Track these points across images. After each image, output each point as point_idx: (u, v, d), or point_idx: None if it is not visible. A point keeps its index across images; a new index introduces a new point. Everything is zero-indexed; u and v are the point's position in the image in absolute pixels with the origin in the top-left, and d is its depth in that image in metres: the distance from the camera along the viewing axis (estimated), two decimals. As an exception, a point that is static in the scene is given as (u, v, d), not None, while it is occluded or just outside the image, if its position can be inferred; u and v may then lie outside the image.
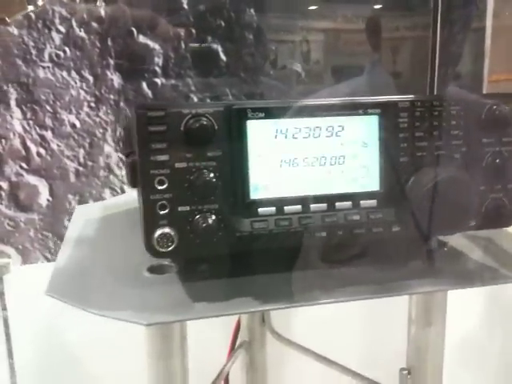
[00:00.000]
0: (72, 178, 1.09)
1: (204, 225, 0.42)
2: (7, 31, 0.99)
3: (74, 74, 1.06)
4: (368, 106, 0.46)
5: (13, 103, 1.02)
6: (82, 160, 1.09)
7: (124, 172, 1.12)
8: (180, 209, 0.43)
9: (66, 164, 1.07)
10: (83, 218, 0.68)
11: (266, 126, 0.44)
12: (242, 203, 0.44)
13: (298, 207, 0.45)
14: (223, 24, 1.29)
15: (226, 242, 0.44)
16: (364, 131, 0.46)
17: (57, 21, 1.02)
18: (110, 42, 1.07)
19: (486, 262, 0.53)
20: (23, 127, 1.03)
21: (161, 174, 0.42)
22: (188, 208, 0.43)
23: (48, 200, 1.08)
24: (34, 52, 1.02)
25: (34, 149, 1.04)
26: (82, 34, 1.04)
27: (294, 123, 0.44)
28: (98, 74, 1.07)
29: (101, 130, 1.10)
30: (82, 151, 1.08)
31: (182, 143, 0.42)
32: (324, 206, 0.45)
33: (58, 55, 1.05)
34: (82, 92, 1.06)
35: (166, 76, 1.23)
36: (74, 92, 1.05)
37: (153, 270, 0.50)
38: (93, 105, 1.09)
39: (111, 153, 1.15)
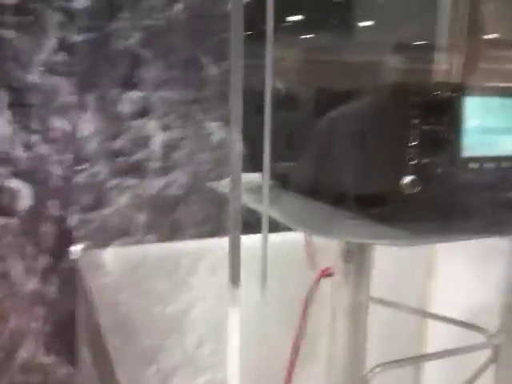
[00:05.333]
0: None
1: (440, 173, 0.57)
2: None
3: None
4: None
5: None
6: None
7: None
8: (423, 161, 0.56)
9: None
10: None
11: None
12: (456, 159, 0.58)
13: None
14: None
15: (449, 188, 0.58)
16: None
17: None
18: None
19: None
20: None
21: (413, 133, 0.56)
22: (427, 160, 0.56)
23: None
24: None
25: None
26: None
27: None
28: None
29: None
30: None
31: (427, 111, 0.56)
32: None
33: None
34: None
35: None
36: None
37: (350, 218, 0.63)
38: None
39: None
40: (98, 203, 1.53)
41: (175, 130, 1.58)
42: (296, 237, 0.86)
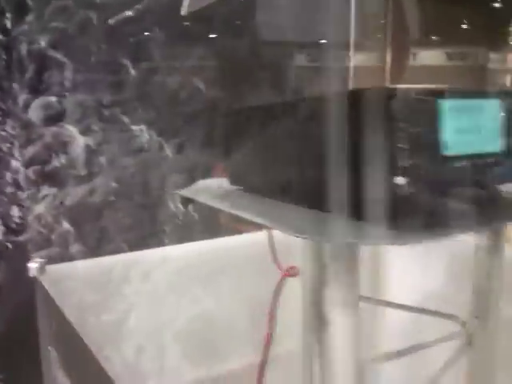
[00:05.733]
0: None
1: (424, 172, 0.59)
2: None
3: None
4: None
5: None
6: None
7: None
8: (411, 162, 0.58)
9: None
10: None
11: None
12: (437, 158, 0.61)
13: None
14: None
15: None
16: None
17: None
18: None
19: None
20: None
21: (402, 136, 0.57)
22: (412, 161, 0.59)
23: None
24: None
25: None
26: None
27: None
28: None
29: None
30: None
31: (414, 115, 0.58)
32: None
33: None
34: None
35: None
36: None
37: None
38: None
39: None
40: (20, 215, 1.47)
41: (96, 134, 1.53)
42: (260, 237, 0.86)
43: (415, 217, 0.60)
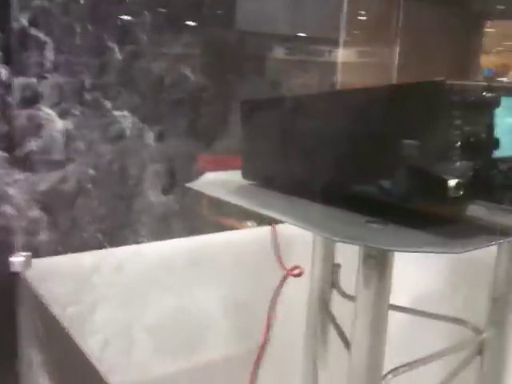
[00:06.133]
0: None
1: (475, 175, 0.55)
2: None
3: None
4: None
5: None
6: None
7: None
8: (466, 163, 0.55)
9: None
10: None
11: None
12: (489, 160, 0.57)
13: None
14: None
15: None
16: None
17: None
18: None
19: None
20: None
21: (456, 134, 0.54)
22: (471, 163, 0.55)
23: None
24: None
25: None
26: None
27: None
28: None
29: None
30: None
31: (468, 111, 0.54)
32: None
33: None
34: None
35: None
36: None
37: (371, 222, 0.60)
38: None
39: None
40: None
41: (74, 118, 1.46)
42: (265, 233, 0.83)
43: (465, 223, 0.57)
